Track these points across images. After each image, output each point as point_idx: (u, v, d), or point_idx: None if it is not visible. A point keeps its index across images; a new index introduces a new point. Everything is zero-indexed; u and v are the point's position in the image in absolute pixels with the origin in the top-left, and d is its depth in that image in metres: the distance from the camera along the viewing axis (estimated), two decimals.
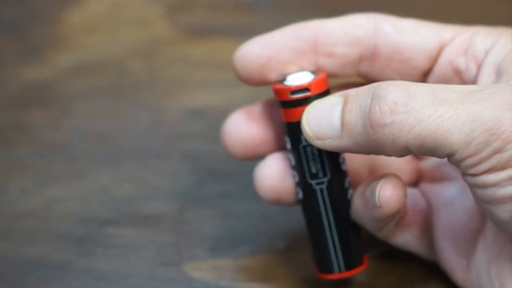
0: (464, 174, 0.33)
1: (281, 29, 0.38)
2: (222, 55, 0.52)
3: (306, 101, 0.36)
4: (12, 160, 0.46)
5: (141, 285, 0.40)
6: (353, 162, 0.39)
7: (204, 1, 0.56)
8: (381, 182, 0.35)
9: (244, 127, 0.39)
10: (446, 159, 0.33)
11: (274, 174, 0.38)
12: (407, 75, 0.38)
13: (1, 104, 0.50)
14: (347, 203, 0.37)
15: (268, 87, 0.51)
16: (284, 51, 0.38)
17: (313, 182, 0.37)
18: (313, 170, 0.37)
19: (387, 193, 0.34)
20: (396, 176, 0.35)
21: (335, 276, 0.37)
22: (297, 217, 0.42)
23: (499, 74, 0.35)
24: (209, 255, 0.41)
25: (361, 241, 0.38)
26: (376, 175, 0.36)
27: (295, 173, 0.37)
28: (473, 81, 0.37)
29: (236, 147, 0.39)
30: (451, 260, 0.37)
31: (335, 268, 0.37)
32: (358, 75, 0.39)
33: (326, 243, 0.37)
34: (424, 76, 0.38)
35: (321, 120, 0.35)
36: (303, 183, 0.37)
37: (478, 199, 0.33)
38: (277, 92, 0.38)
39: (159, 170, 0.45)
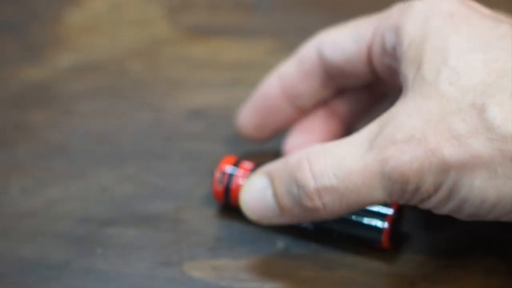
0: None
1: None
2: (222, 55, 0.52)
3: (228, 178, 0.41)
4: (12, 160, 0.46)
5: (141, 285, 0.40)
6: None
7: (204, 1, 0.56)
8: None
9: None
10: None
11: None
12: (360, 81, 0.40)
13: (1, 104, 0.50)
14: None
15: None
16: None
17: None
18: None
19: None
20: None
21: (385, 234, 0.39)
22: None
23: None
24: (209, 255, 0.41)
25: None
26: None
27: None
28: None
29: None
30: None
31: (379, 225, 0.39)
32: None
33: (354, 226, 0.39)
34: (373, 74, 0.39)
35: (258, 204, 0.37)
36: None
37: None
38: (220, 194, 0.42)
39: (159, 170, 0.45)
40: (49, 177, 0.45)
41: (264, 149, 0.46)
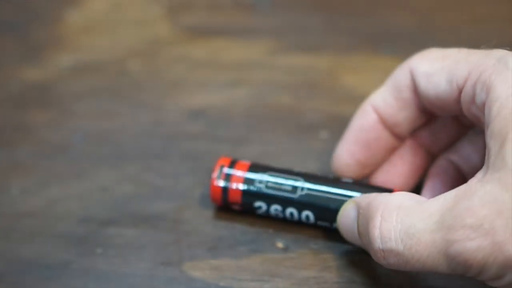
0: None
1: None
2: (222, 55, 0.52)
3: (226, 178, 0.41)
4: (12, 160, 0.46)
5: (141, 285, 0.40)
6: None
7: (204, 1, 0.56)
8: None
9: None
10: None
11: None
12: (448, 112, 0.39)
13: (1, 104, 0.50)
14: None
15: (271, 86, 0.51)
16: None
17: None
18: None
19: None
20: None
21: None
22: None
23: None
24: (209, 255, 0.41)
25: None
26: None
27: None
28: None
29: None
30: None
31: None
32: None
33: None
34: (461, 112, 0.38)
35: (348, 231, 0.39)
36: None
37: None
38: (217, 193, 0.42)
39: (159, 170, 0.45)
40: (49, 177, 0.45)
41: (261, 151, 0.46)
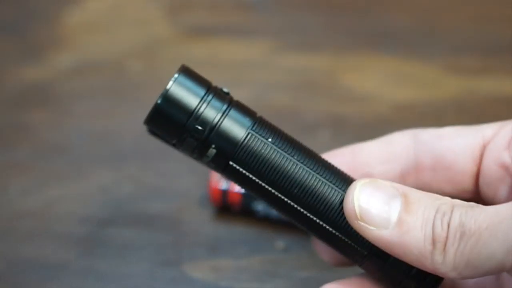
0: None
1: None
2: (222, 55, 0.52)
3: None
4: (12, 160, 0.46)
5: (141, 285, 0.40)
6: None
7: (204, 1, 0.56)
8: None
9: None
10: None
11: None
12: (455, 181, 0.36)
13: (1, 104, 0.50)
14: None
15: (271, 86, 0.51)
16: None
17: None
18: None
19: None
20: None
21: None
22: None
23: None
24: (209, 255, 0.41)
25: None
26: None
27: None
28: None
29: None
30: None
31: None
32: None
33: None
34: (474, 180, 0.36)
35: (375, 205, 0.32)
36: None
37: None
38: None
39: (159, 170, 0.45)
40: (49, 177, 0.45)
41: None
